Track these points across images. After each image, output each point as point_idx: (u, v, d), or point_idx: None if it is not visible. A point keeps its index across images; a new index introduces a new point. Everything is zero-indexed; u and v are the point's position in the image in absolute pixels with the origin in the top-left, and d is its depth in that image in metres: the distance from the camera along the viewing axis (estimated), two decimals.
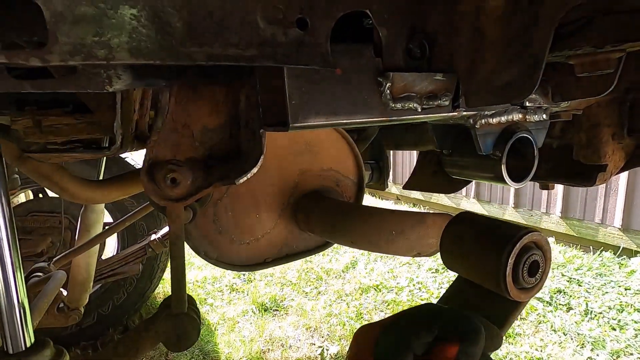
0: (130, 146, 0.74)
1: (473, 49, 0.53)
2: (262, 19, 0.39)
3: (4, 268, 0.51)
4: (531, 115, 0.65)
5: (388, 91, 0.48)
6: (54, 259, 2.01)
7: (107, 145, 1.40)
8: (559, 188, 3.96)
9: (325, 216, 1.13)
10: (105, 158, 2.34)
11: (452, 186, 1.45)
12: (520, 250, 0.57)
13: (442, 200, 5.30)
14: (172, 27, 0.35)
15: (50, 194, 2.84)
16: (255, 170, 0.52)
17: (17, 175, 2.21)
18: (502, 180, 0.64)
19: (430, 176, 1.60)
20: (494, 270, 0.57)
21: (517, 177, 0.66)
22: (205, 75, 0.48)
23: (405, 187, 1.72)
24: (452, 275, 3.37)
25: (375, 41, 0.48)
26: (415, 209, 5.66)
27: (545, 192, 4.08)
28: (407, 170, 5.87)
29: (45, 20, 0.30)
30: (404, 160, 5.95)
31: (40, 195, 2.94)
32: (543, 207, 4.23)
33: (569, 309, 3.01)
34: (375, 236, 1.00)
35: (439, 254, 1.06)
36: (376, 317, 3.04)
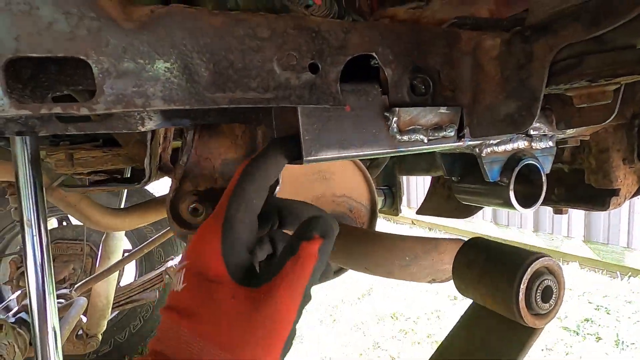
0: (155, 177, 0.80)
1: (474, 84, 0.56)
2: (278, 65, 0.43)
3: (39, 295, 0.55)
4: (537, 142, 0.68)
5: (395, 125, 0.51)
6: (76, 286, 2.06)
7: (129, 174, 1.47)
8: (580, 211, 3.86)
9: (338, 242, 1.14)
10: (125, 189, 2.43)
11: (465, 211, 1.45)
12: (532, 276, 0.57)
13: (459, 224, 5.22)
14: (200, 77, 0.40)
15: (74, 221, 2.94)
16: None
17: None
18: (511, 206, 0.66)
19: (444, 201, 1.61)
20: (507, 296, 0.57)
21: (526, 203, 0.67)
22: (226, 115, 0.53)
23: (418, 213, 1.72)
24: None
25: (381, 80, 0.52)
26: (431, 234, 5.57)
27: (566, 215, 3.97)
28: (422, 194, 5.83)
29: (93, 76, 0.35)
30: (418, 184, 5.93)
31: (64, 223, 3.05)
32: (564, 231, 4.11)
33: (599, 339, 2.85)
34: (388, 262, 1.01)
35: None
36: (393, 348, 2.95)
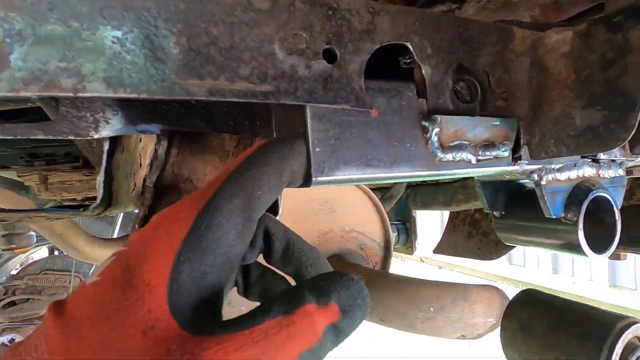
0: (133, 203, 0.66)
1: (534, 91, 0.43)
2: (281, 48, 0.31)
3: None
4: (605, 170, 0.54)
5: (435, 138, 0.38)
6: None
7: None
8: None
9: None
10: (122, 214, 2.30)
11: (491, 252, 1.29)
12: (624, 350, 0.41)
13: (471, 263, 4.95)
14: (167, 54, 0.27)
15: None
16: None
17: (33, 232, 2.19)
18: (578, 250, 0.51)
19: (464, 239, 1.45)
20: None
21: (596, 246, 0.52)
22: (211, 121, 0.41)
23: (435, 251, 1.56)
24: (492, 350, 2.97)
25: (416, 80, 0.40)
26: (442, 273, 5.29)
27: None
28: (430, 229, 5.61)
29: None
30: (425, 217, 5.72)
31: (55, 252, 2.90)
32: (586, 274, 3.84)
33: None
34: (410, 313, 0.85)
35: (487, 336, 0.88)
36: None
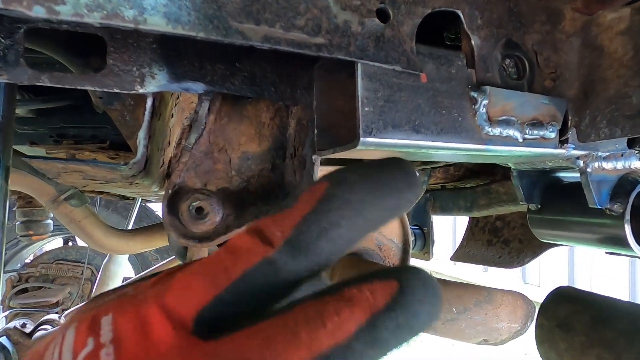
0: (158, 181, 0.66)
1: (587, 70, 0.42)
2: (335, 2, 0.31)
3: None
4: None
5: (484, 110, 0.37)
6: (65, 312, 1.89)
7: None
8: (625, 270, 3.47)
9: None
10: (137, 208, 2.32)
11: (512, 260, 1.25)
12: None
13: (484, 280, 4.82)
14: None
15: (79, 242, 2.83)
16: None
17: (51, 221, 2.23)
18: (623, 245, 0.48)
19: (484, 247, 1.41)
20: None
21: None
22: (253, 86, 0.40)
23: (453, 259, 1.52)
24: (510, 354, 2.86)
25: (464, 51, 0.39)
26: None
27: (608, 275, 3.60)
28: (440, 243, 5.49)
29: None
30: (435, 227, 5.62)
31: (70, 243, 2.94)
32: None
33: None
34: None
35: (510, 342, 0.85)
36: None
